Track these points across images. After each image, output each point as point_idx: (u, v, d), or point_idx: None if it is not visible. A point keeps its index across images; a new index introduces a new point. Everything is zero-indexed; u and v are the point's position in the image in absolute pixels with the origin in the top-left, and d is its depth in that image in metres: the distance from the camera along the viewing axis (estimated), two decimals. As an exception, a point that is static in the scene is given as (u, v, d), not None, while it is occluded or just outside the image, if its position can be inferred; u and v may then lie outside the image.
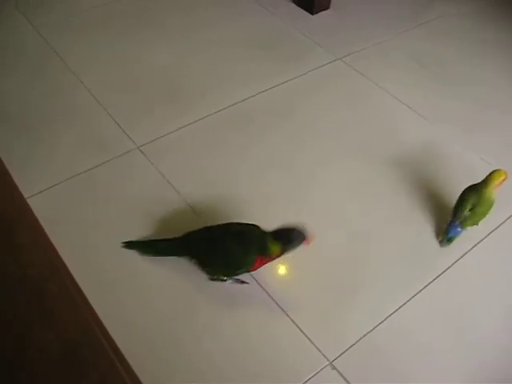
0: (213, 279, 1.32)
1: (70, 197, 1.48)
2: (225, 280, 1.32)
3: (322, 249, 1.38)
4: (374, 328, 1.26)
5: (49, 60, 1.89)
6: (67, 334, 1.18)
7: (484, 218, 1.41)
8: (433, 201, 1.53)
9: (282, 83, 1.86)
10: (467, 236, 1.43)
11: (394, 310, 1.30)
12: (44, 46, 1.94)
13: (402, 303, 1.31)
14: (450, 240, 1.41)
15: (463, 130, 1.76)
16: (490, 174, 1.39)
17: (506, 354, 1.26)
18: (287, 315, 1.27)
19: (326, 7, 2.23)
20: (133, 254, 1.35)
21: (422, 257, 1.40)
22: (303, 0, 2.22)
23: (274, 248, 1.20)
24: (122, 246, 1.36)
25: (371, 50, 2.05)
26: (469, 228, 1.41)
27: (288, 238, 1.20)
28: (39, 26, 2.02)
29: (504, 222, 1.51)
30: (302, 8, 2.23)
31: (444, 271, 1.38)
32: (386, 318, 1.28)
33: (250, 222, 1.26)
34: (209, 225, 1.32)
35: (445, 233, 1.41)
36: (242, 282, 1.33)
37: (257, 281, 1.32)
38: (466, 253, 1.42)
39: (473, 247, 1.44)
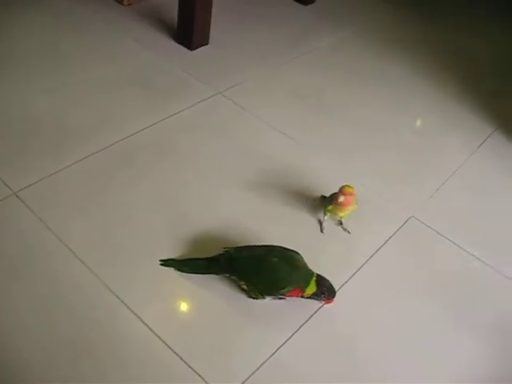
0: (251, 297, 1.36)
1: None
2: (264, 298, 1.35)
3: (210, 289, 1.38)
4: (263, 364, 1.25)
5: None
6: None
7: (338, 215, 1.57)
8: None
9: (162, 120, 1.84)
10: (344, 267, 1.48)
11: (280, 344, 1.30)
12: None
13: (287, 337, 1.31)
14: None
15: (339, 154, 1.84)
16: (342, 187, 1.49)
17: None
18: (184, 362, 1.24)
19: (204, 43, 2.25)
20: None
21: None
22: (182, 36, 2.24)
23: (311, 289, 1.30)
24: (160, 263, 1.40)
25: (250, 83, 2.08)
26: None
27: (324, 289, 1.31)
28: None
29: (376, 252, 1.56)
30: (181, 44, 2.24)
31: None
32: (274, 352, 1.28)
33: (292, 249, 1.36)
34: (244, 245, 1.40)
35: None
36: (280, 299, 1.36)
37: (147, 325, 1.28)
38: (344, 283, 1.46)
39: (351, 276, 1.47)
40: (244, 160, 1.75)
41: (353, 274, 1.47)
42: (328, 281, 1.33)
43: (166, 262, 1.41)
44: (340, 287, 1.42)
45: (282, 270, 1.31)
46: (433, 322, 1.41)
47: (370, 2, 2.83)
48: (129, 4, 2.44)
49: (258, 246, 1.38)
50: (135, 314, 1.29)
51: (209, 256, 1.40)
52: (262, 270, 1.33)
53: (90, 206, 1.53)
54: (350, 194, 1.47)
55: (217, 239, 1.49)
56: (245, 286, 1.35)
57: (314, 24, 2.55)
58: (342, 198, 1.47)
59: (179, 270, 1.39)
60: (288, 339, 1.31)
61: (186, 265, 1.40)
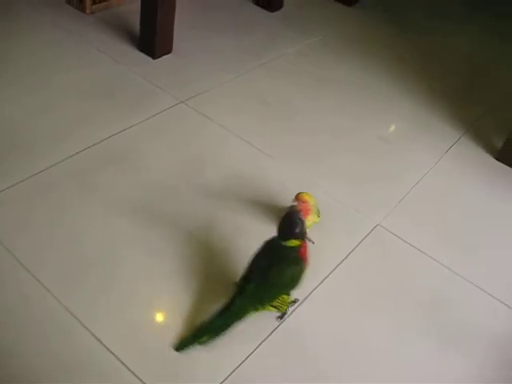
0: (282, 316, 1.33)
1: None
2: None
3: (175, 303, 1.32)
4: (225, 379, 1.21)
5: None
6: None
7: None
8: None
9: (124, 130, 1.78)
10: (309, 278, 1.39)
11: (243, 359, 1.25)
12: None
13: (250, 351, 1.27)
14: None
15: (305, 161, 1.81)
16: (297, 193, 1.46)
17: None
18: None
19: (168, 51, 2.21)
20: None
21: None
22: (144, 45, 2.19)
23: (292, 242, 1.24)
24: (175, 350, 1.23)
25: (214, 92, 2.04)
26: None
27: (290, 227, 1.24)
28: None
29: (342, 262, 1.52)
30: (144, 53, 2.19)
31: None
32: (237, 367, 1.23)
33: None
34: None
35: None
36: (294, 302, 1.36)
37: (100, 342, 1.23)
38: (308, 295, 1.41)
39: (315, 287, 1.43)
40: (208, 170, 1.71)
41: (317, 285, 1.43)
42: (285, 221, 1.27)
43: (181, 346, 1.23)
44: (305, 299, 1.39)
45: (289, 263, 1.26)
46: (400, 332, 1.37)
47: (337, 9, 2.81)
48: (91, 12, 2.39)
49: (250, 271, 1.29)
50: (95, 336, 1.24)
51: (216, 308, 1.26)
52: (283, 278, 1.26)
53: (41, 221, 1.46)
54: (304, 202, 1.44)
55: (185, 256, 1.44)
56: (278, 303, 1.29)
57: (281, 31, 2.52)
58: (294, 203, 1.43)
59: (200, 344, 1.23)
60: (251, 353, 1.26)
61: (203, 334, 1.24)
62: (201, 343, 1.23)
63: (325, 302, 1.39)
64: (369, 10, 2.83)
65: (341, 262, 1.50)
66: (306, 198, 1.44)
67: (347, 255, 1.52)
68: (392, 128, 2.10)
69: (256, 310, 1.27)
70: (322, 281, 1.44)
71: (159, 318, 1.34)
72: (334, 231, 1.58)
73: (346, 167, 1.82)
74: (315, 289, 1.42)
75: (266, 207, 1.61)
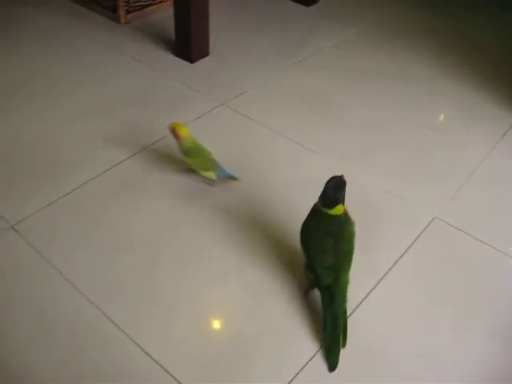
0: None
1: None
2: None
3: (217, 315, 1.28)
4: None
5: None
6: None
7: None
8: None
9: (165, 137, 1.75)
10: (366, 277, 1.37)
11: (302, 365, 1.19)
12: None
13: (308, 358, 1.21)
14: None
15: (351, 156, 1.74)
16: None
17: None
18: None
19: (205, 54, 2.18)
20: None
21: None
22: (181, 50, 2.16)
23: (339, 209, 1.21)
24: (332, 370, 1.18)
25: (254, 92, 1.99)
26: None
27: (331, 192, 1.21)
28: None
29: (400, 259, 1.45)
30: (181, 58, 2.17)
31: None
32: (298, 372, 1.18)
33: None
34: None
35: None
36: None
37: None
38: (367, 295, 1.35)
39: (374, 287, 1.36)
40: (252, 171, 1.66)
41: (375, 285, 1.36)
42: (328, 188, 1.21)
43: (333, 362, 1.19)
44: (364, 298, 1.32)
45: (347, 229, 1.25)
46: (465, 331, 1.28)
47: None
48: (126, 22, 2.39)
49: (317, 252, 1.25)
50: (138, 344, 1.21)
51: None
52: (351, 246, 1.26)
53: (91, 236, 1.44)
54: (174, 132, 1.54)
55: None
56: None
57: (318, 25, 2.46)
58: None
59: (343, 347, 1.22)
60: (315, 354, 1.21)
61: (337, 337, 1.21)
62: (343, 346, 1.21)
63: (383, 303, 1.32)
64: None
65: (400, 258, 1.42)
66: (174, 127, 1.54)
67: (404, 252, 1.44)
68: (441, 116, 2.01)
69: (348, 281, 1.26)
70: (380, 281, 1.37)
71: (206, 324, 1.29)
72: (389, 226, 1.50)
73: (395, 160, 1.74)
74: (373, 289, 1.35)
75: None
